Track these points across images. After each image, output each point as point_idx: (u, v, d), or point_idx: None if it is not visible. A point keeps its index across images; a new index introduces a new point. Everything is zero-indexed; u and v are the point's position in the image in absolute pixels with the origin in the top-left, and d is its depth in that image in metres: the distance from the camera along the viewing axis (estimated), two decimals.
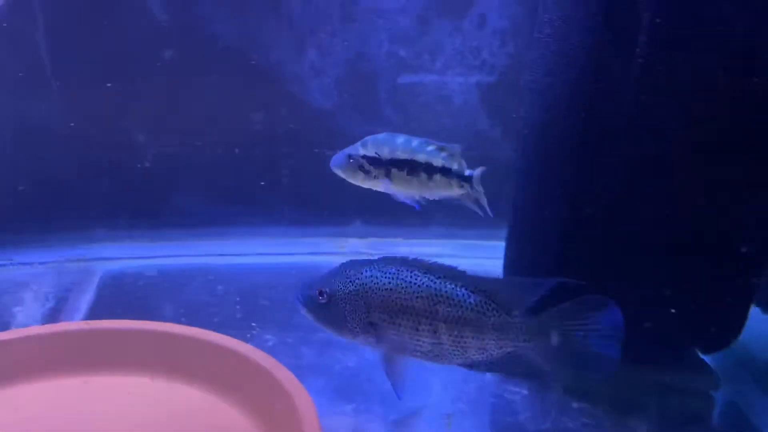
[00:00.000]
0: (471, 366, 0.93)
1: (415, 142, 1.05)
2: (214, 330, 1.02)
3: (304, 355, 1.14)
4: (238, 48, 1.41)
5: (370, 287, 0.91)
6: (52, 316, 1.21)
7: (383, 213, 1.55)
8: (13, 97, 1.36)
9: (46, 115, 1.38)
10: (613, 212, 0.94)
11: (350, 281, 0.91)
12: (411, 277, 0.90)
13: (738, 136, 0.89)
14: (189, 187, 1.47)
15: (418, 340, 0.91)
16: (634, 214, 0.93)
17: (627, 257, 0.95)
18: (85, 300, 1.26)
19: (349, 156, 1.05)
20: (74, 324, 1.12)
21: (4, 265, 1.37)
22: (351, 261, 0.94)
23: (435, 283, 0.90)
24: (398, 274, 0.90)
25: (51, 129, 1.39)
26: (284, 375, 0.92)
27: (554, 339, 0.87)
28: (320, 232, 1.53)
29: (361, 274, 0.91)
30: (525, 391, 1.05)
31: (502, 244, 1.48)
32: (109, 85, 1.39)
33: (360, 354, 1.13)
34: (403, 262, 0.92)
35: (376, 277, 0.91)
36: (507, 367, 0.91)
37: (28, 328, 1.08)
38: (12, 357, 0.99)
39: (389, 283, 0.90)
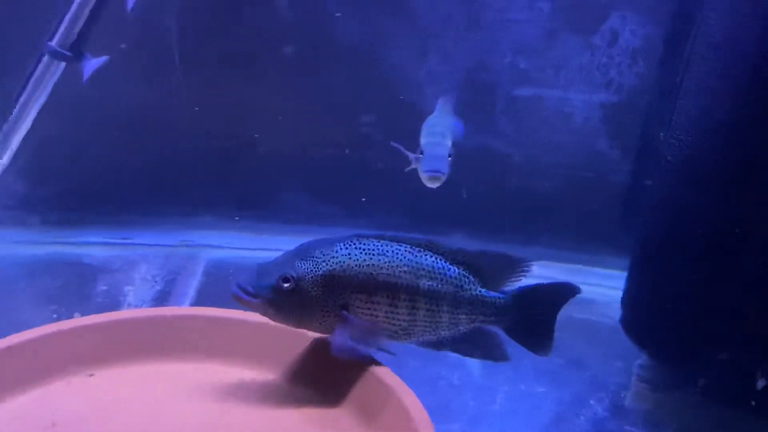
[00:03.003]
0: (436, 344, 0.88)
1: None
2: None
3: (408, 365, 1.11)
4: (359, 48, 1.40)
5: (348, 265, 0.82)
6: (161, 299, 1.23)
7: (486, 227, 1.51)
8: (139, 82, 1.40)
9: (168, 102, 1.41)
10: (763, 259, 0.88)
11: (322, 261, 0.81)
12: (391, 250, 0.83)
13: None
14: (297, 183, 1.47)
15: (393, 319, 0.84)
16: None
17: None
18: (192, 285, 1.28)
19: (449, 155, 0.99)
20: (183, 309, 1.13)
21: (120, 244, 1.41)
22: (309, 242, 0.84)
23: (416, 255, 0.83)
24: (376, 248, 0.83)
25: (172, 116, 1.42)
26: (399, 386, 0.89)
27: (521, 319, 0.85)
28: None
29: (334, 252, 0.82)
30: (641, 430, 1.00)
31: (608, 272, 1.44)
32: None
33: (466, 371, 1.11)
34: (371, 236, 0.84)
35: (353, 255, 0.82)
36: (469, 346, 0.87)
37: (143, 309, 1.10)
38: (127, 337, 1.00)
39: (370, 259, 0.82)
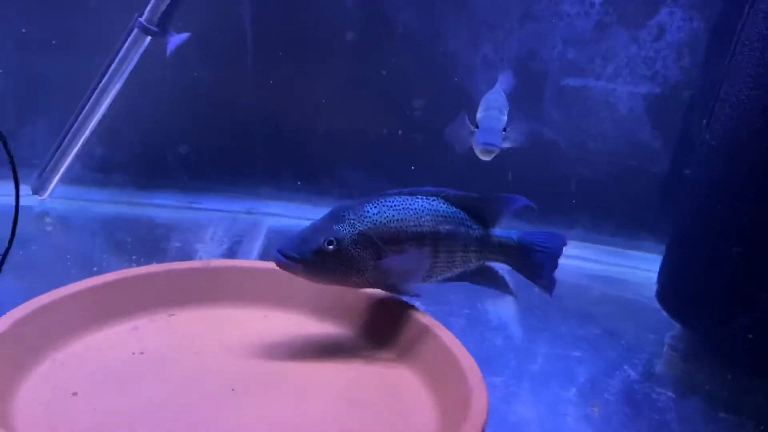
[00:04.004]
0: (449, 279, 0.96)
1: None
2: None
3: (452, 327, 1.20)
4: (417, 35, 1.49)
5: (380, 222, 0.90)
6: (229, 256, 1.34)
7: (528, 208, 1.59)
8: (214, 62, 1.51)
9: (239, 82, 1.52)
10: None
11: (357, 222, 0.90)
12: (413, 203, 0.92)
13: None
14: (352, 160, 1.57)
15: (421, 263, 0.92)
16: None
17: None
18: (256, 247, 1.39)
19: (504, 129, 1.05)
20: (253, 262, 1.21)
21: (189, 208, 1.53)
22: (339, 206, 0.92)
23: (433, 203, 0.92)
24: (400, 203, 0.91)
25: (242, 95, 1.53)
26: (452, 342, 0.96)
27: (523, 257, 0.94)
28: None
29: (365, 212, 0.90)
30: (671, 393, 1.07)
31: (645, 255, 1.50)
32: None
33: (508, 334, 1.19)
34: (393, 193, 0.93)
35: (382, 212, 0.90)
36: (477, 278, 0.96)
37: (221, 260, 1.19)
38: (204, 284, 1.11)
39: (397, 214, 0.90)
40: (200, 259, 1.30)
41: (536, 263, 0.95)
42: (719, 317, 1.05)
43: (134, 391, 0.91)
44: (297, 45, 1.52)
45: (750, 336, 1.00)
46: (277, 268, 1.10)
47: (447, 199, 0.95)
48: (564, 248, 0.97)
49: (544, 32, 1.45)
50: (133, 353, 0.98)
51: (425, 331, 1.00)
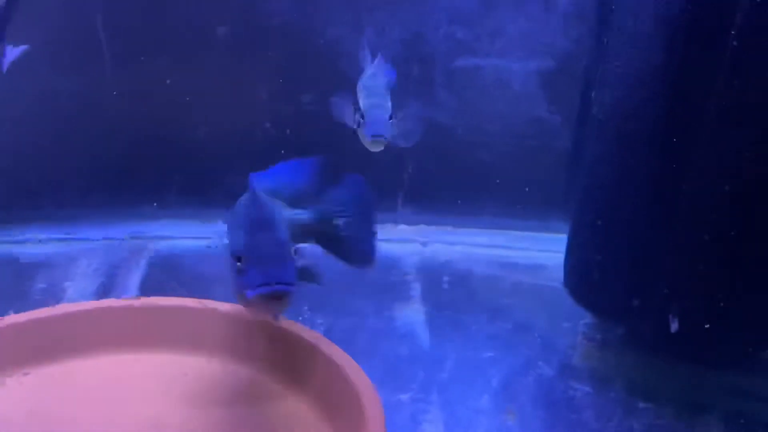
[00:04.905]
0: None
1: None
2: None
3: (357, 342, 1.11)
4: (294, 24, 1.37)
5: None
6: (103, 293, 1.20)
7: (433, 199, 1.51)
8: (69, 73, 1.35)
9: (101, 92, 1.36)
10: (696, 210, 0.89)
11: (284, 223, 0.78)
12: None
13: None
14: (240, 167, 1.44)
15: None
16: (717, 213, 0.87)
17: (707, 257, 0.90)
18: (135, 277, 1.25)
19: (390, 117, 0.97)
20: (127, 300, 1.09)
21: (60, 240, 1.36)
22: (259, 212, 0.80)
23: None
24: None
25: (106, 106, 1.37)
26: (349, 365, 0.88)
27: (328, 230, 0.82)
28: None
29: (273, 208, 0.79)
30: (588, 389, 1.01)
31: (557, 237, 1.44)
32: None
33: (416, 343, 1.11)
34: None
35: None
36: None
37: (78, 303, 1.07)
38: (62, 332, 0.98)
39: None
40: (67, 301, 1.15)
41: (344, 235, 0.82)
42: (628, 302, 0.99)
43: None
44: (161, 47, 1.37)
45: (656, 319, 0.95)
46: (153, 304, 1.01)
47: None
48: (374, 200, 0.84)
49: (427, 11, 1.36)
50: None
51: (320, 356, 0.91)
